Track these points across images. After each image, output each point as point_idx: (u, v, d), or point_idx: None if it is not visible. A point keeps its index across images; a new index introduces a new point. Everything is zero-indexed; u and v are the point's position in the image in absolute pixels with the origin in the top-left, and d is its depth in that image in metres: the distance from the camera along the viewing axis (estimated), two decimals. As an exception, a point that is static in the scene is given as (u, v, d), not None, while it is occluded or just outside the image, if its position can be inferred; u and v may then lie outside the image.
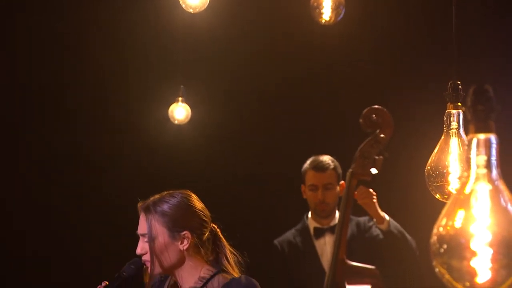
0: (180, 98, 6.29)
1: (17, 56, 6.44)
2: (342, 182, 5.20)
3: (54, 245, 6.34)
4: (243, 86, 6.55)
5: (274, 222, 5.90)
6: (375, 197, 4.90)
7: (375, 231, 5.09)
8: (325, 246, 5.21)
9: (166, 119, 6.35)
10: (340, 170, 5.21)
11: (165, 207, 3.13)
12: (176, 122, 6.34)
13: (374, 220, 5.04)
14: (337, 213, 5.20)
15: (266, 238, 5.37)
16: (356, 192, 4.90)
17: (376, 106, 5.00)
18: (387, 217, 4.98)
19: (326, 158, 5.22)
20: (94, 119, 6.48)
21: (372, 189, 5.26)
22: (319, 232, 5.22)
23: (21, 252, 6.34)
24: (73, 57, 6.49)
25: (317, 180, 5.19)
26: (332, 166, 5.19)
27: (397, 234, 4.99)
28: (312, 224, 5.26)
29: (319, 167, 5.20)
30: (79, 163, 6.48)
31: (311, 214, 5.29)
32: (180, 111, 6.32)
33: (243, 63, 6.51)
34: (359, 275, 4.88)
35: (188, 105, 6.33)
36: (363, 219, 5.17)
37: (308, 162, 5.26)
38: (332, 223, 5.20)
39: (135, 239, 3.21)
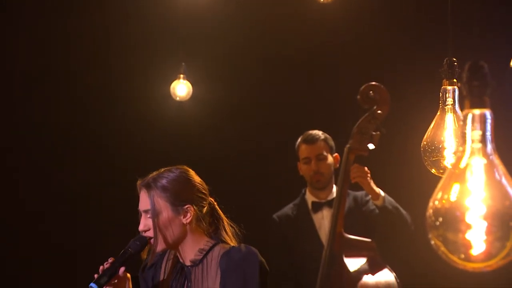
0: (181, 75, 6.29)
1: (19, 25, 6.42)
2: (336, 154, 5.20)
3: (58, 222, 6.34)
4: (243, 63, 6.53)
5: (273, 197, 5.90)
6: (369, 174, 4.91)
7: (372, 205, 5.10)
8: (323, 220, 5.22)
9: (168, 95, 6.35)
10: (331, 142, 5.23)
11: (165, 182, 3.12)
12: (177, 98, 6.33)
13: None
14: (334, 187, 5.20)
15: (266, 212, 5.38)
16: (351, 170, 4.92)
17: (373, 83, 5.01)
18: (382, 193, 4.99)
19: (316, 131, 5.27)
20: (97, 95, 6.45)
21: (369, 164, 5.27)
22: (317, 206, 5.23)
23: (28, 228, 6.34)
24: (74, 32, 6.45)
25: (309, 152, 5.22)
26: (322, 137, 5.23)
27: (391, 209, 5.00)
28: (310, 198, 5.27)
29: (309, 140, 5.24)
30: (81, 138, 6.45)
31: (309, 188, 5.30)
32: (181, 88, 6.31)
33: (243, 41, 6.49)
34: (356, 248, 4.89)
35: (190, 82, 6.33)
36: (360, 193, 5.18)
37: (299, 138, 5.29)
38: (330, 197, 5.21)
39: (137, 215, 3.20)
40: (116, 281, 3.08)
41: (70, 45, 6.46)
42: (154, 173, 3.17)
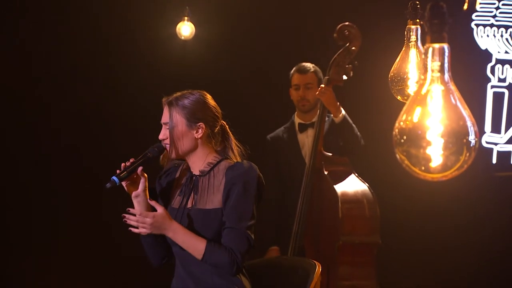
0: (185, 17, 6.27)
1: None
2: (322, 85, 5.17)
3: (87, 136, 6.34)
4: (239, 6, 6.47)
5: (268, 122, 5.91)
6: (331, 93, 4.99)
7: None
8: (307, 139, 5.28)
9: (174, 35, 6.31)
10: (320, 75, 5.27)
11: (185, 101, 3.21)
12: (182, 38, 6.33)
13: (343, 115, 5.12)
14: (319, 112, 5.22)
15: (262, 134, 5.44)
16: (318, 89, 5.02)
17: (347, 23, 5.06)
18: (343, 112, 5.08)
19: (308, 64, 5.33)
20: (117, 34, 6.37)
21: (345, 92, 5.27)
22: (303, 127, 5.30)
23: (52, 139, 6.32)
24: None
25: (299, 80, 5.27)
26: (312, 70, 5.29)
27: (347, 126, 5.09)
28: (297, 120, 5.34)
29: (301, 70, 5.29)
30: (101, 70, 6.41)
31: (297, 112, 5.36)
32: (186, 29, 6.30)
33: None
34: (334, 164, 5.02)
35: (193, 23, 6.30)
36: None
37: (293, 68, 5.33)
38: (314, 119, 5.24)
39: (157, 128, 3.28)
40: (135, 176, 3.21)
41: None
42: (178, 93, 3.26)
